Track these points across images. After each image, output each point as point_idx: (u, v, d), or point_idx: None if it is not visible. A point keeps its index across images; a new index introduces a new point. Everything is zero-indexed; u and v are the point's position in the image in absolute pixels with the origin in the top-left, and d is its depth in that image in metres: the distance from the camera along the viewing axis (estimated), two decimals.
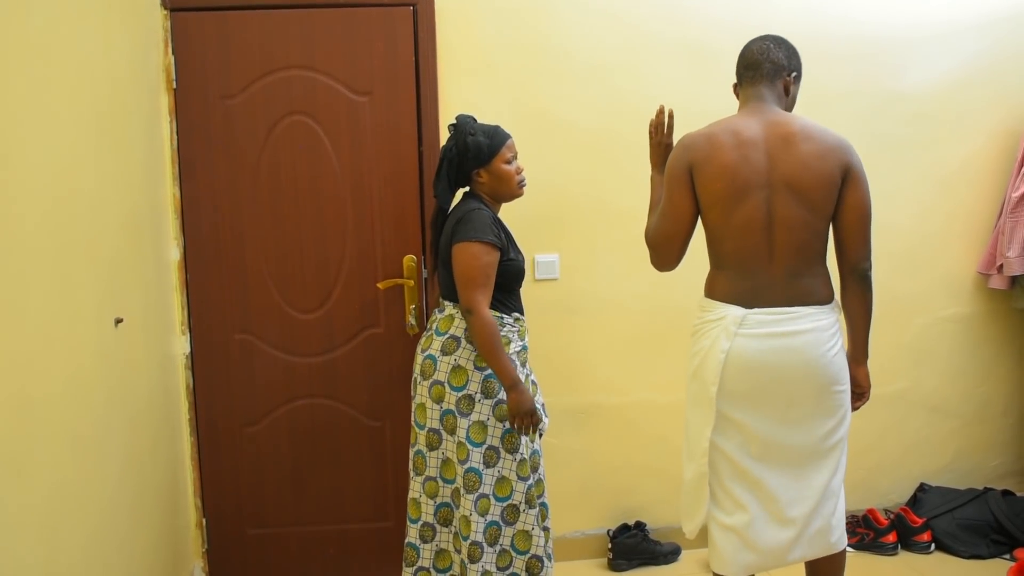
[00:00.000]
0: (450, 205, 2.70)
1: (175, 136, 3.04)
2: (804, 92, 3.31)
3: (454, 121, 2.66)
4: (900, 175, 3.45)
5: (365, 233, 3.14)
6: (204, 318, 3.13)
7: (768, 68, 2.39)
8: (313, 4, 3.05)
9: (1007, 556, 3.28)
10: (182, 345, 3.11)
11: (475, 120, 2.67)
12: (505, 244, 2.56)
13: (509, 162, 2.61)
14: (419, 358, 2.64)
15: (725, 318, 2.31)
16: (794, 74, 2.43)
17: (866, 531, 3.39)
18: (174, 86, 3.02)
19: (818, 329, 2.31)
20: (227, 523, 3.22)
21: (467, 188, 2.69)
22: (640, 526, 3.35)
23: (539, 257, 3.26)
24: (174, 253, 3.07)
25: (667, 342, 3.36)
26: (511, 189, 2.63)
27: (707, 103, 3.26)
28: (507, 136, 2.64)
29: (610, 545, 3.32)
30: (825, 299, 2.36)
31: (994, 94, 3.48)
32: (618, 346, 3.35)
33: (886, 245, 3.45)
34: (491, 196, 2.65)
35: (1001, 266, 3.41)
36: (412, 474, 2.67)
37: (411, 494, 2.68)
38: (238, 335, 3.15)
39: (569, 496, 3.37)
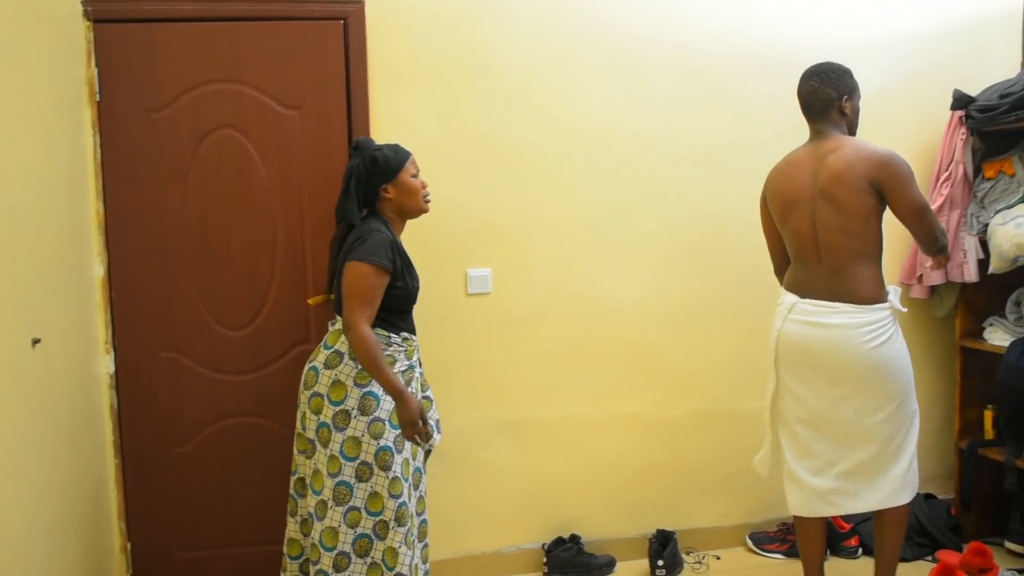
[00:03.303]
0: (357, 221, 2.68)
1: (99, 150, 2.98)
2: (736, 106, 3.42)
3: (355, 144, 2.70)
4: None
5: (295, 249, 3.11)
6: (129, 336, 3.06)
7: (819, 107, 2.77)
8: (241, 17, 3.02)
9: (929, 558, 3.38)
10: (106, 364, 3.03)
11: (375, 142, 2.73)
12: (400, 269, 2.60)
13: (414, 176, 2.68)
14: (306, 367, 2.68)
15: (782, 303, 2.82)
16: (845, 97, 2.76)
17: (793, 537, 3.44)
18: (97, 99, 2.96)
19: (849, 326, 2.67)
20: (154, 547, 3.14)
21: (372, 208, 2.70)
22: (575, 539, 3.36)
23: (472, 271, 3.26)
24: (98, 270, 3.00)
25: (600, 355, 3.39)
26: (418, 202, 2.69)
27: (633, 118, 3.33)
28: (409, 152, 2.70)
29: (545, 559, 3.32)
30: (866, 299, 2.69)
31: (911, 109, 3.57)
32: (552, 359, 3.36)
33: None
34: (396, 213, 2.69)
35: (921, 276, 3.53)
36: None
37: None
38: (164, 353, 3.08)
39: (504, 510, 3.37)
